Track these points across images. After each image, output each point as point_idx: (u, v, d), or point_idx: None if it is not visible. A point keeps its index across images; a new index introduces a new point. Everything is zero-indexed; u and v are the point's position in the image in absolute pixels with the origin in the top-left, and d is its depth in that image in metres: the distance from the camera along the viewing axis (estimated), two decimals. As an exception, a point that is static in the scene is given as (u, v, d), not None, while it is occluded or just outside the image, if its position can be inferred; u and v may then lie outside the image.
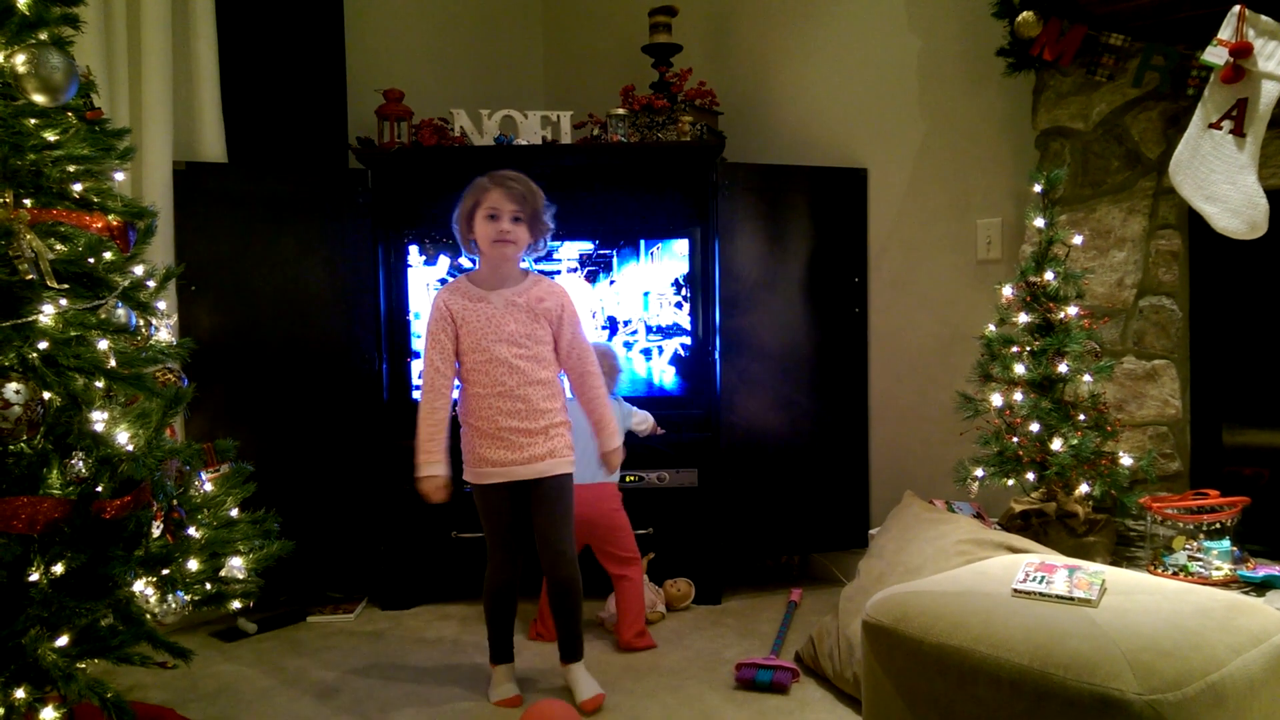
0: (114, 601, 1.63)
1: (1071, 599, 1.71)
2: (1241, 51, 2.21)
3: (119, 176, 1.97)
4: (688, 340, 3.21)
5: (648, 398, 3.17)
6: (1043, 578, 1.79)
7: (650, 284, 3.22)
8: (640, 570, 2.88)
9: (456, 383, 2.37)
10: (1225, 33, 2.24)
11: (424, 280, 3.22)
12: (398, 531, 3.14)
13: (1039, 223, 2.52)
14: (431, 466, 2.28)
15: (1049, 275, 2.48)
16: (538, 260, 2.52)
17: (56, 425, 1.62)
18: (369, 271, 3.15)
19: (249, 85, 3.24)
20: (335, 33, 3.48)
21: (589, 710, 2.31)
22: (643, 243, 3.22)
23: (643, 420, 2.98)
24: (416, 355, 3.25)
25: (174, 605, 1.72)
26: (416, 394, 3.23)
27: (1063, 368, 2.43)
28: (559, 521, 2.35)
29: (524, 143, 3.18)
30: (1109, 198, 2.67)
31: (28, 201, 1.67)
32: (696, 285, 3.20)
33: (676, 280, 3.20)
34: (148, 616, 1.68)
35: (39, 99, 1.56)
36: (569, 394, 2.46)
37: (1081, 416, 2.44)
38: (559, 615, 2.42)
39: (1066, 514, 2.42)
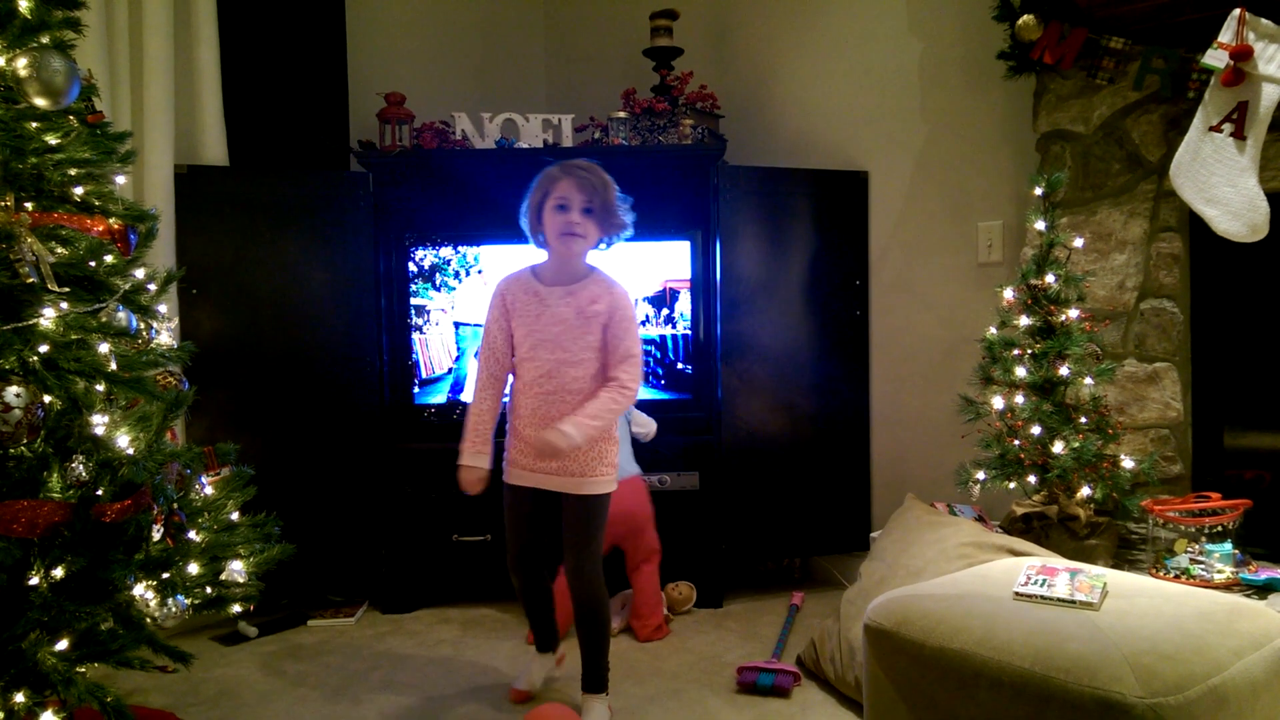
0: (114, 605, 1.63)
1: (1073, 602, 1.71)
2: (1242, 55, 2.21)
3: (120, 180, 1.98)
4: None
5: (647, 401, 3.17)
6: (1044, 581, 1.79)
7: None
8: (657, 566, 2.91)
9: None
10: (1225, 36, 2.24)
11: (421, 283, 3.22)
12: (399, 535, 3.13)
13: (1040, 225, 2.52)
14: (472, 457, 2.21)
15: (1050, 278, 2.48)
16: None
17: (57, 428, 1.62)
18: (370, 275, 3.15)
19: (250, 88, 3.24)
20: (337, 36, 3.48)
21: None
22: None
23: (644, 424, 2.98)
24: (417, 358, 3.25)
25: (174, 609, 1.71)
26: (417, 397, 3.26)
27: (1064, 370, 2.43)
28: (581, 543, 2.21)
29: (525, 146, 3.18)
30: (1110, 200, 2.67)
31: (29, 205, 1.67)
32: (698, 288, 3.20)
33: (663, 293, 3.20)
34: (148, 620, 1.68)
35: (40, 102, 1.56)
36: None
37: (1083, 419, 2.43)
38: (583, 637, 2.27)
39: (1068, 517, 2.42)
